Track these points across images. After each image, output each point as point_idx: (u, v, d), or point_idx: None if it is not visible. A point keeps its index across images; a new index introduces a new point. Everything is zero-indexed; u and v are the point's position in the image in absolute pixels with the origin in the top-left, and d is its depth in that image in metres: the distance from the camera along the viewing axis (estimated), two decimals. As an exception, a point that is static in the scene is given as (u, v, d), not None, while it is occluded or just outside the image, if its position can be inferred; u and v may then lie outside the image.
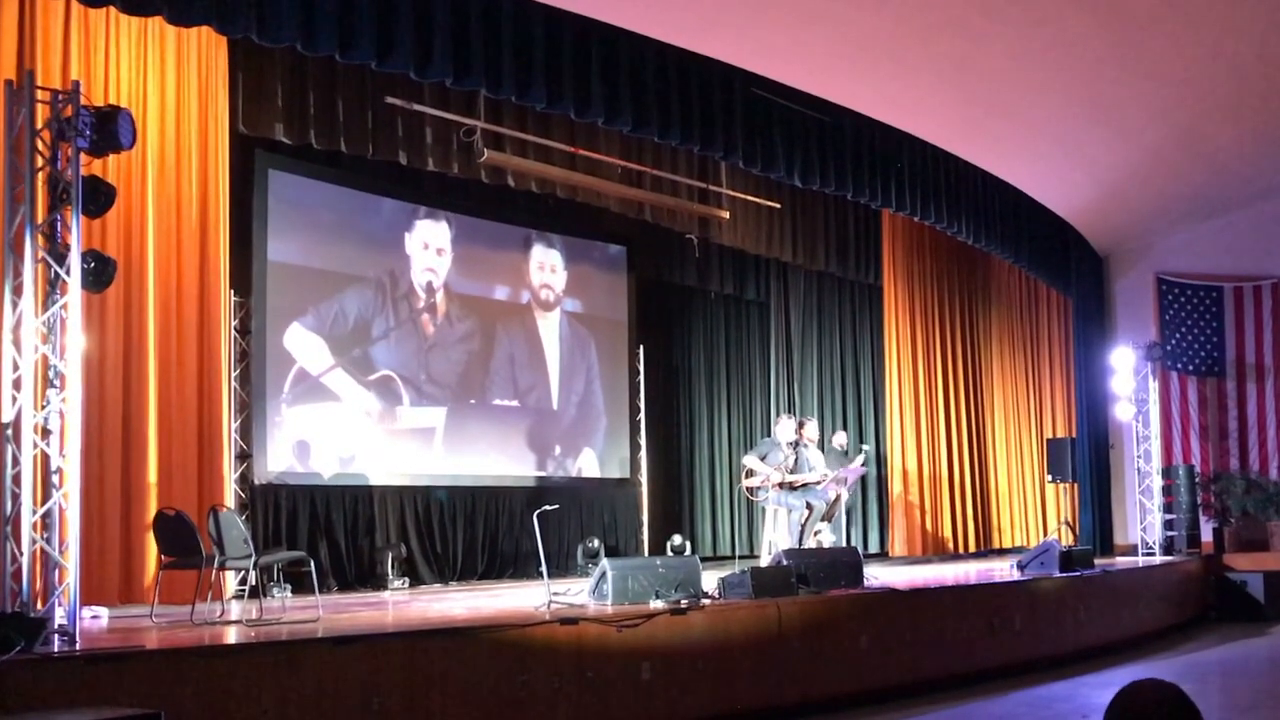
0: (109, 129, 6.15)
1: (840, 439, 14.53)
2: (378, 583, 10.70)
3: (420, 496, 11.61)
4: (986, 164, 13.29)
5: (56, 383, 6.11)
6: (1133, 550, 14.66)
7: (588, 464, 13.49)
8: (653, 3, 9.34)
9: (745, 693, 7.56)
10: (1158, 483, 14.42)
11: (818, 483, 11.15)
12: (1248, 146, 13.58)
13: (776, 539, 11.22)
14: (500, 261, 12.80)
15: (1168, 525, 14.45)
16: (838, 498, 11.48)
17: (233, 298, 9.64)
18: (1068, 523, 15.83)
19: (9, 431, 5.99)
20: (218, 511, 7.41)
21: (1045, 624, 10.13)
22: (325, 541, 10.62)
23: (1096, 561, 12.01)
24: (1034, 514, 16.64)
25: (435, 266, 12.01)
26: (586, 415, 13.58)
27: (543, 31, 8.93)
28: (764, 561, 10.68)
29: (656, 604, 7.53)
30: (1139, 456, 14.49)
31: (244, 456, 10.02)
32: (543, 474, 12.90)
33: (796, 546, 10.67)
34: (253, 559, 7.40)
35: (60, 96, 6.16)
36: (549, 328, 13.25)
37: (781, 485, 11.10)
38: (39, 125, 6.13)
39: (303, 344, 10.75)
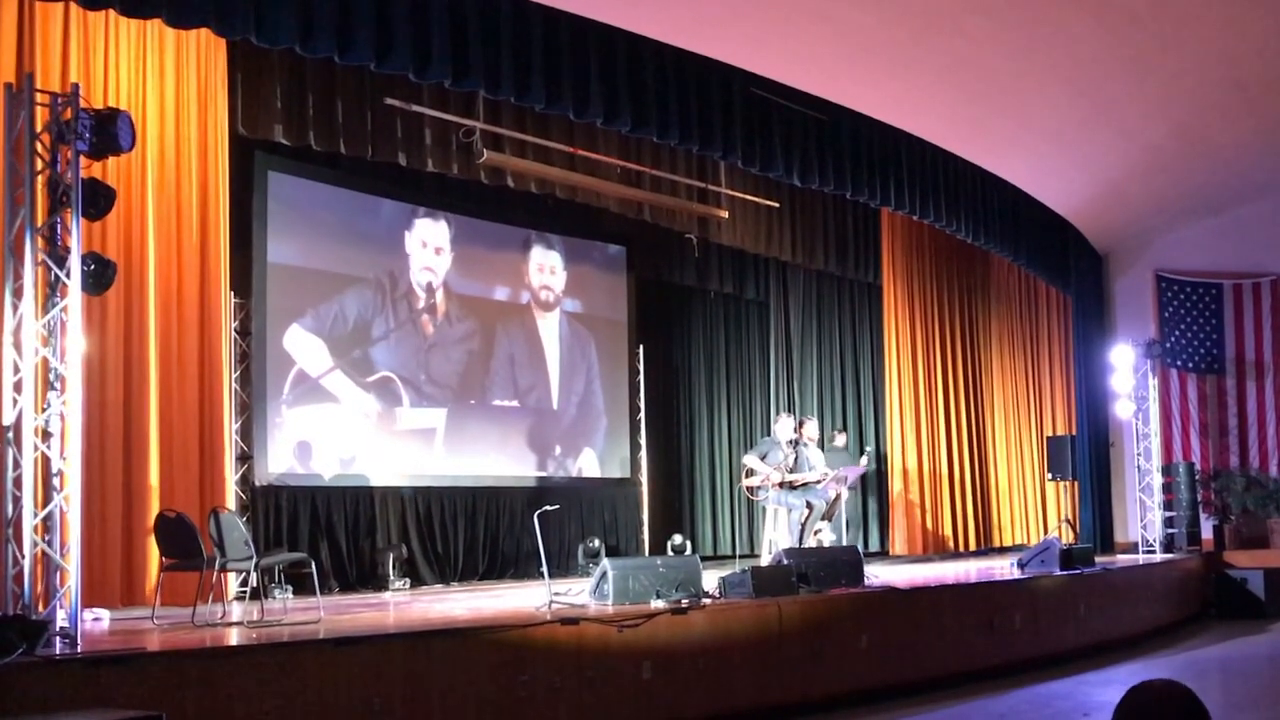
0: (108, 131, 6.16)
1: (841, 440, 14.61)
2: (379, 584, 10.70)
3: (421, 497, 11.62)
4: (985, 162, 13.30)
5: (57, 385, 6.12)
6: (1133, 548, 14.66)
7: (588, 464, 13.50)
8: (651, 3, 9.34)
9: (746, 692, 7.57)
10: (1158, 480, 14.43)
11: (818, 482, 11.16)
12: (1246, 143, 13.58)
13: (777, 538, 11.23)
14: (500, 262, 12.80)
15: (1168, 523, 14.46)
16: (838, 497, 11.49)
17: (233, 299, 9.65)
18: (1068, 521, 15.83)
19: (10, 434, 6.00)
20: (218, 513, 7.41)
21: (1046, 622, 10.14)
22: (326, 543, 10.62)
23: (1097, 559, 12.01)
24: (1034, 512, 16.64)
25: (435, 267, 12.02)
26: (586, 415, 13.58)
27: (541, 32, 8.92)
28: (764, 561, 10.69)
29: (657, 604, 7.54)
30: (1139, 454, 14.50)
31: (244, 458, 10.02)
32: (543, 474, 12.91)
33: (797, 546, 10.68)
34: (254, 561, 7.41)
35: (60, 99, 6.17)
36: (549, 328, 13.26)
37: (782, 484, 11.11)
38: (39, 128, 6.14)
39: (303, 345, 10.76)
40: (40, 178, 6.13)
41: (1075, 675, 9.43)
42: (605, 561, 7.98)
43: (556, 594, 7.83)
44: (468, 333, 12.33)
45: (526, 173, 10.94)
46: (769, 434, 12.23)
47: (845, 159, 11.46)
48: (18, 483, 5.94)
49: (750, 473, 11.41)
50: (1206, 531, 14.90)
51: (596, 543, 12.81)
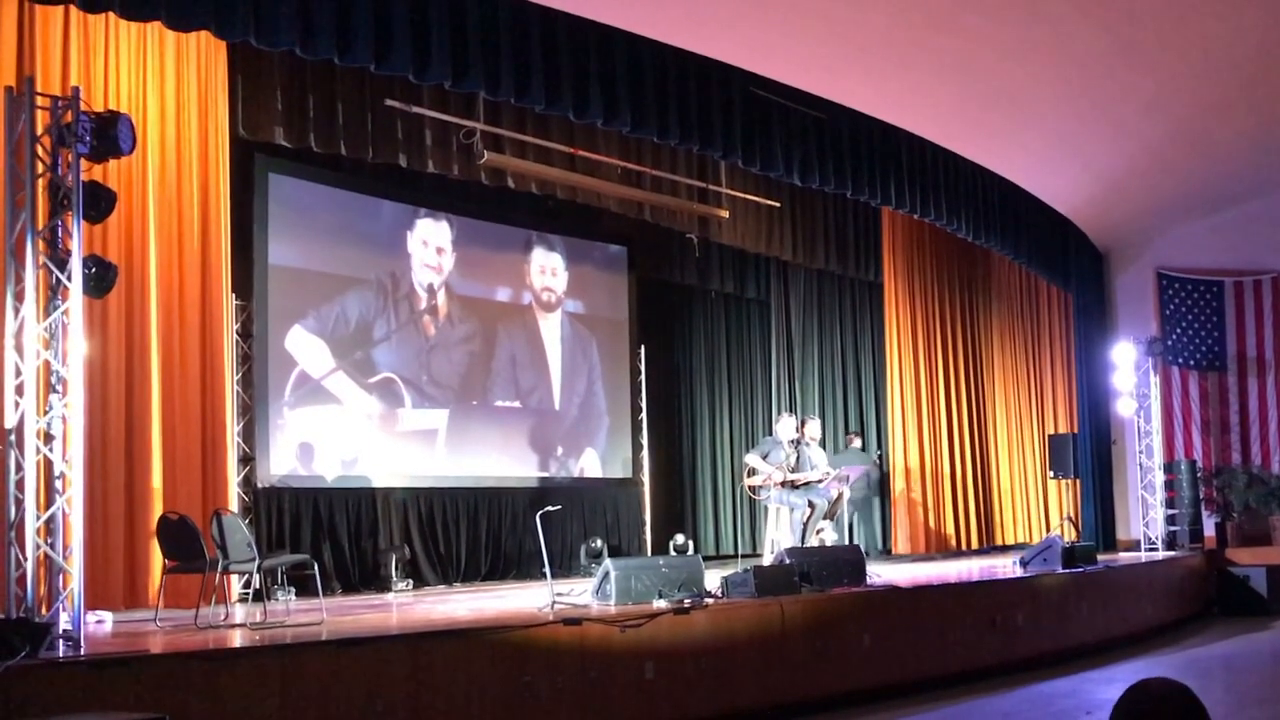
0: (109, 134, 6.16)
1: (857, 443, 14.69)
2: (381, 585, 10.71)
3: (423, 498, 11.62)
4: (986, 160, 13.29)
5: (59, 388, 6.12)
6: (1135, 545, 14.65)
7: (590, 464, 13.50)
8: (650, 3, 9.35)
9: (749, 692, 7.57)
10: (1160, 478, 14.43)
11: (819, 481, 11.16)
12: (1247, 141, 13.58)
13: (779, 538, 11.23)
14: (501, 263, 12.81)
15: (1170, 520, 14.46)
16: (840, 496, 11.49)
17: (234, 301, 9.65)
18: (1070, 519, 15.83)
19: (12, 437, 6.00)
20: (221, 515, 7.42)
21: (1048, 620, 10.14)
22: (329, 544, 10.63)
23: (1099, 557, 12.02)
24: (1036, 510, 16.63)
25: (436, 268, 12.03)
26: (588, 415, 13.59)
27: (540, 33, 8.92)
28: (767, 560, 10.69)
29: (659, 604, 7.55)
30: (1141, 452, 14.49)
31: (247, 460, 10.03)
32: (545, 475, 12.91)
33: (799, 545, 10.68)
34: (256, 562, 7.42)
35: (60, 103, 6.18)
36: (550, 328, 13.26)
37: (783, 484, 11.12)
38: (39, 131, 6.14)
39: (304, 347, 10.77)
40: (41, 181, 6.14)
41: (1078, 674, 9.43)
42: (607, 562, 7.99)
43: (559, 594, 7.84)
44: (469, 334, 12.34)
45: (527, 173, 10.94)
46: (771, 433, 12.24)
47: (845, 158, 11.45)
48: (20, 485, 5.94)
49: (752, 472, 11.42)
50: (1209, 529, 14.88)
51: (599, 543, 12.81)
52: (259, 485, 10.17)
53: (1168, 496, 14.56)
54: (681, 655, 7.23)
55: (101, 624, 7.48)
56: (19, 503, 5.93)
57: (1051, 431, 16.37)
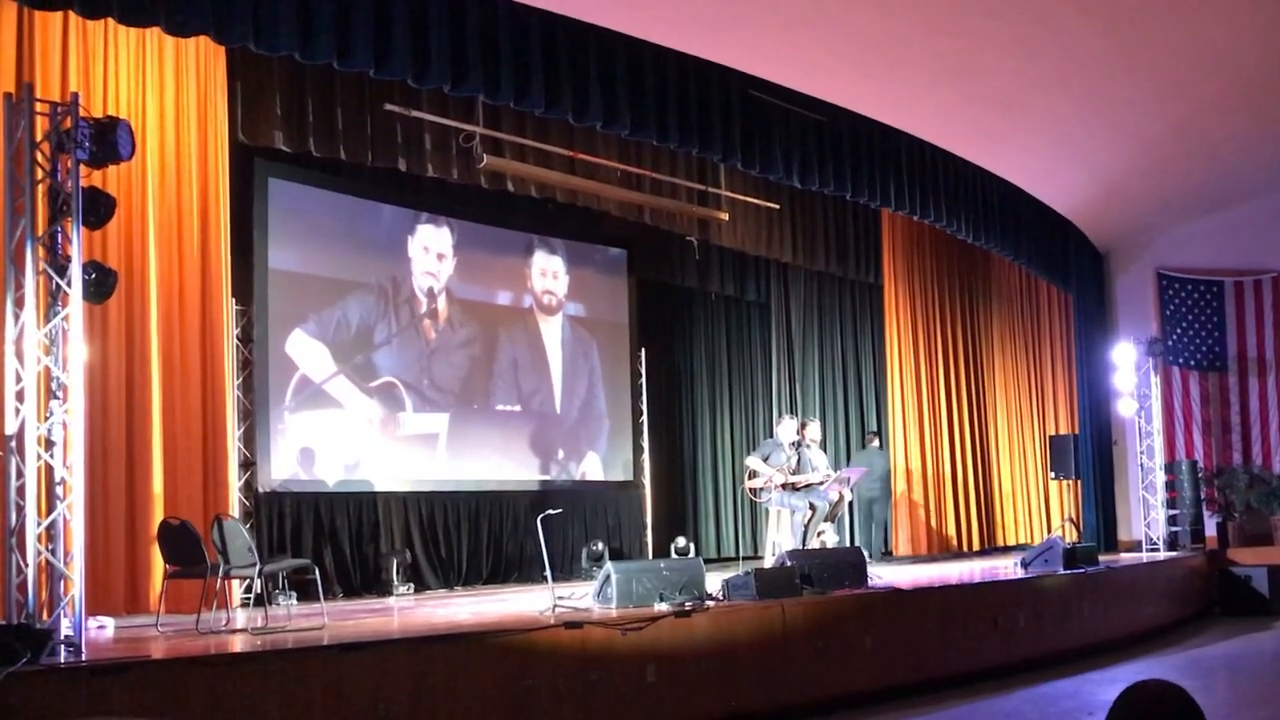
0: (108, 140, 6.16)
1: (875, 444, 14.74)
2: (383, 589, 10.71)
3: (424, 502, 11.63)
4: (985, 162, 13.29)
5: (59, 394, 6.13)
6: (1137, 546, 14.66)
7: (591, 467, 13.51)
8: (649, 6, 9.35)
9: (750, 694, 7.57)
10: (1161, 478, 14.43)
11: (820, 483, 11.17)
12: (1246, 141, 13.57)
13: (780, 540, 11.24)
14: (501, 266, 12.82)
15: (1171, 521, 14.46)
16: (840, 498, 11.50)
17: (234, 306, 9.65)
18: (1071, 519, 15.82)
19: (13, 443, 6.01)
20: (222, 520, 7.41)
21: (1050, 621, 10.13)
22: (330, 548, 10.64)
23: (1100, 558, 12.01)
24: (1037, 511, 16.62)
25: (436, 272, 12.03)
26: (589, 418, 13.59)
27: (539, 36, 8.93)
28: (768, 563, 10.70)
29: (661, 606, 7.55)
30: (1142, 452, 14.49)
31: (247, 465, 10.04)
32: (546, 478, 12.91)
33: (800, 547, 10.69)
34: (258, 567, 7.41)
35: (59, 109, 6.19)
36: (551, 332, 13.27)
37: (784, 486, 11.13)
38: (38, 138, 6.15)
39: (305, 351, 10.77)
40: (40, 187, 6.14)
41: (1079, 675, 9.42)
42: (609, 565, 7.99)
43: (560, 598, 7.83)
44: (470, 337, 12.35)
45: (527, 177, 10.95)
46: (771, 435, 12.24)
47: (845, 160, 11.46)
48: (21, 492, 5.95)
49: (753, 474, 11.43)
50: (1210, 529, 14.88)
51: (600, 546, 12.81)
52: (260, 490, 10.18)
53: (1169, 497, 14.55)
54: (683, 658, 7.23)
55: (103, 629, 7.48)
56: (20, 509, 5.93)
57: (1052, 432, 16.37)
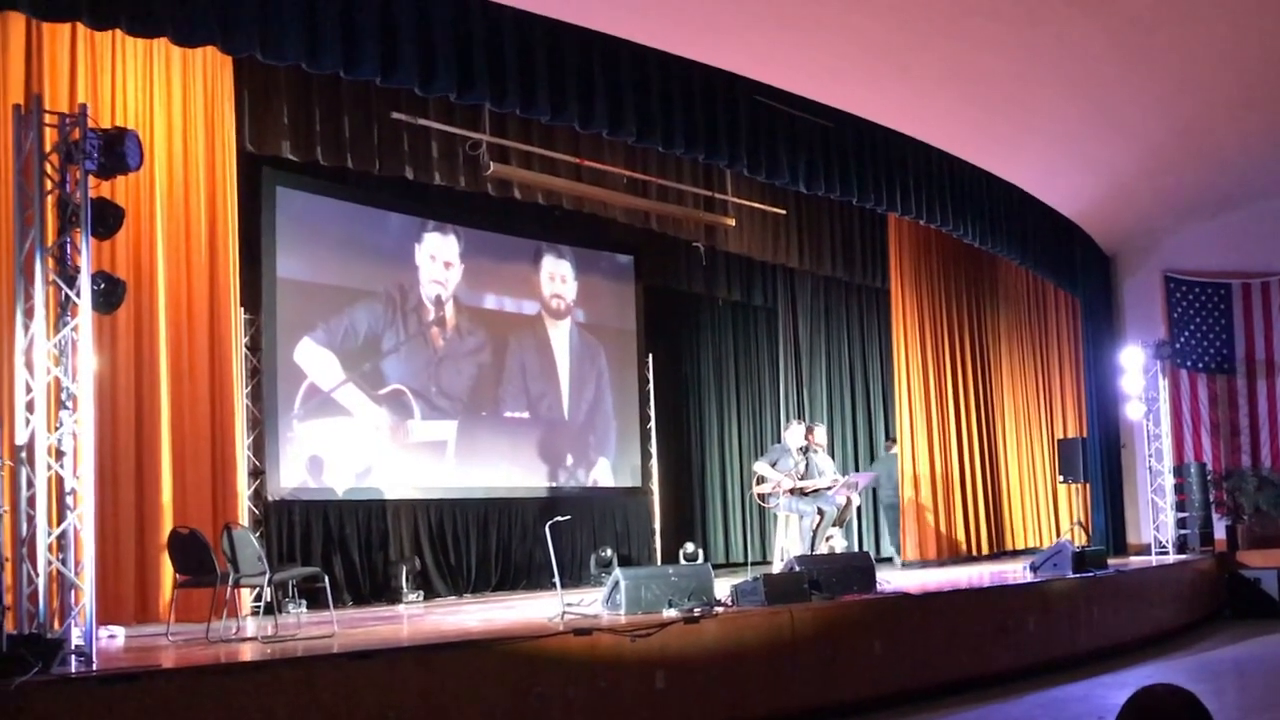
0: (116, 151, 6.19)
1: (894, 450, 14.71)
2: (392, 596, 10.73)
3: (433, 509, 11.64)
4: (991, 166, 13.30)
5: (69, 404, 6.16)
6: (1146, 549, 14.63)
7: (599, 473, 13.51)
8: (654, 13, 9.37)
9: (759, 700, 7.57)
10: (1170, 481, 14.39)
11: (828, 488, 11.16)
12: (1253, 143, 13.56)
13: (788, 545, 11.23)
14: (509, 273, 12.83)
15: (1180, 524, 14.42)
16: (849, 502, 11.48)
17: (243, 315, 9.68)
18: (1080, 523, 15.79)
19: (23, 454, 6.03)
20: (232, 529, 7.44)
21: (1059, 625, 10.12)
22: (339, 556, 10.65)
23: (1109, 561, 11.99)
24: (1046, 515, 16.59)
25: (444, 280, 12.05)
26: (597, 425, 13.60)
27: (545, 44, 8.95)
28: (776, 568, 10.69)
29: (670, 613, 7.55)
30: (1150, 455, 14.47)
31: (257, 473, 10.05)
32: (555, 485, 12.92)
33: (808, 552, 10.68)
34: (267, 576, 7.44)
35: (67, 120, 6.22)
36: (559, 338, 13.28)
37: (792, 491, 11.12)
38: (47, 149, 6.19)
39: (313, 359, 10.80)
40: (49, 198, 6.18)
41: (1089, 678, 9.41)
42: (617, 571, 7.99)
43: (569, 604, 7.84)
44: (478, 345, 12.36)
45: (533, 184, 10.96)
46: (779, 441, 12.24)
47: (851, 165, 11.46)
48: (31, 502, 5.97)
49: (761, 480, 11.42)
50: (1219, 532, 14.85)
51: (608, 552, 12.81)
52: (269, 498, 10.19)
53: (1178, 500, 14.52)
54: (692, 664, 7.24)
55: (113, 639, 7.51)
56: (30, 519, 5.96)
57: (1060, 436, 16.33)
